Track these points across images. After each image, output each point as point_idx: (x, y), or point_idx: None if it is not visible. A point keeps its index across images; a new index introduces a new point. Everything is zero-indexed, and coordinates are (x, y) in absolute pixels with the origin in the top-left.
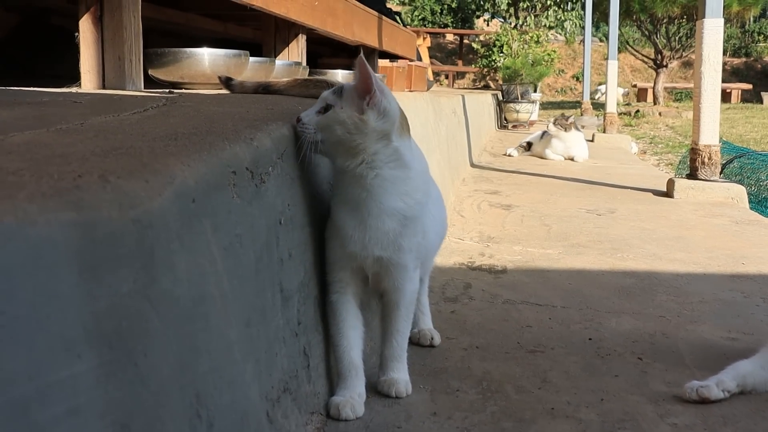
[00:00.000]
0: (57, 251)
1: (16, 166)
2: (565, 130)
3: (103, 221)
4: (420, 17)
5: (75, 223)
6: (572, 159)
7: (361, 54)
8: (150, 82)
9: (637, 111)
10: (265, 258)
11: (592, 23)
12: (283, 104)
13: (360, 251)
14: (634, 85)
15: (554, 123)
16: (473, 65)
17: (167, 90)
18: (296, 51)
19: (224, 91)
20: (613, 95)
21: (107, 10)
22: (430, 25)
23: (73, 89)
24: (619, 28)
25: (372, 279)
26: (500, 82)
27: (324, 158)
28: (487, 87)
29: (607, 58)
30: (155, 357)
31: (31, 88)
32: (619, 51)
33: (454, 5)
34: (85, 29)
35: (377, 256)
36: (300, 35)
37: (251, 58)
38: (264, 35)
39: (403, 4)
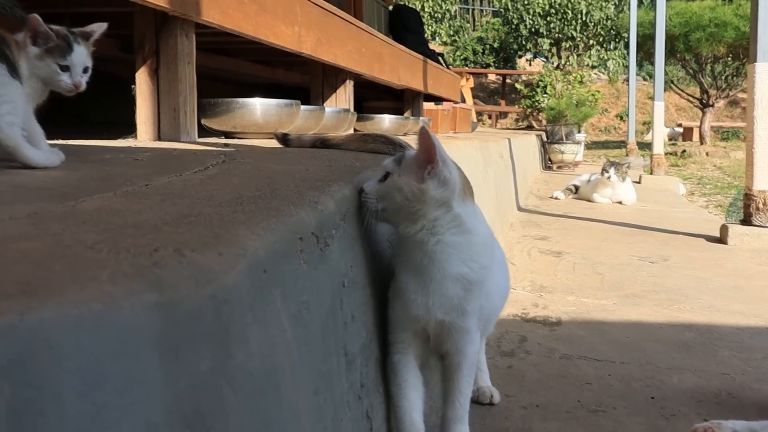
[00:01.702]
0: (141, 335)
1: (93, 239)
2: (623, 180)
3: (183, 300)
4: (462, 57)
5: (157, 305)
6: (620, 202)
7: (425, 125)
8: (202, 131)
9: (684, 151)
10: (330, 322)
11: (636, 62)
12: (341, 160)
13: (423, 315)
14: (679, 124)
15: (616, 172)
16: (516, 105)
17: (222, 143)
18: (344, 97)
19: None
20: (660, 136)
21: (163, 63)
22: (472, 65)
23: (130, 140)
24: (664, 68)
25: (434, 340)
26: (543, 121)
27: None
28: (530, 127)
29: (651, 98)
30: None
31: (91, 142)
32: (664, 90)
33: (496, 45)
34: (142, 81)
35: (440, 320)
36: (348, 81)
37: (302, 107)
38: (312, 81)
39: (445, 44)
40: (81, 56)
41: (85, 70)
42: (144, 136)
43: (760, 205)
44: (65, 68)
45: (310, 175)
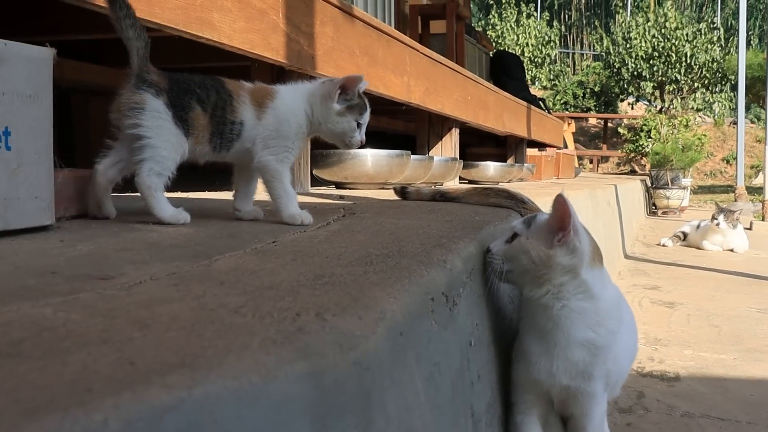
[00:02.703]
0: (294, 405)
1: (235, 302)
2: (734, 228)
3: (329, 368)
4: (562, 101)
5: (308, 374)
6: (732, 250)
7: (564, 192)
8: (314, 180)
9: None
10: (459, 383)
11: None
12: (460, 214)
13: (546, 379)
14: None
15: (726, 219)
16: (618, 149)
17: (337, 195)
18: (449, 145)
19: (388, 191)
20: None
21: None
22: (572, 109)
23: None
24: None
25: (558, 404)
26: (646, 165)
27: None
28: (632, 171)
29: (759, 141)
30: None
31: (212, 195)
32: None
33: (596, 89)
34: None
35: (565, 385)
36: (453, 129)
37: (412, 157)
38: (419, 129)
39: (545, 89)
40: (368, 115)
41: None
42: (259, 187)
43: None
44: (359, 125)
45: (432, 231)
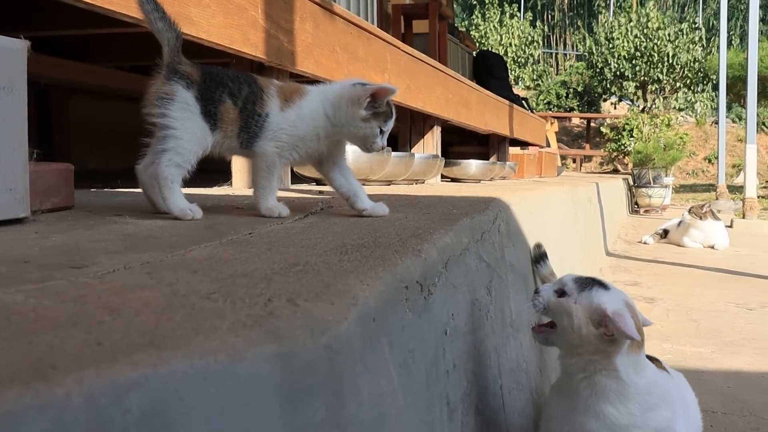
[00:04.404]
0: (262, 386)
1: (207, 289)
2: (701, 219)
3: (299, 351)
4: (545, 101)
5: (276, 356)
6: (712, 247)
7: (623, 312)
8: (295, 178)
9: None
10: (434, 371)
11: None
12: (437, 207)
13: None
14: None
15: (689, 211)
16: (601, 149)
17: (317, 190)
18: (431, 142)
19: (370, 186)
20: (752, 179)
21: None
22: (555, 108)
23: (225, 188)
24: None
25: None
26: (629, 165)
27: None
28: (615, 171)
29: (740, 140)
30: None
31: (190, 190)
32: (756, 132)
33: (580, 89)
34: None
35: None
36: (435, 126)
37: (392, 154)
38: (400, 127)
39: (529, 88)
40: (392, 123)
41: None
42: (239, 184)
43: None
44: (381, 132)
45: (409, 223)
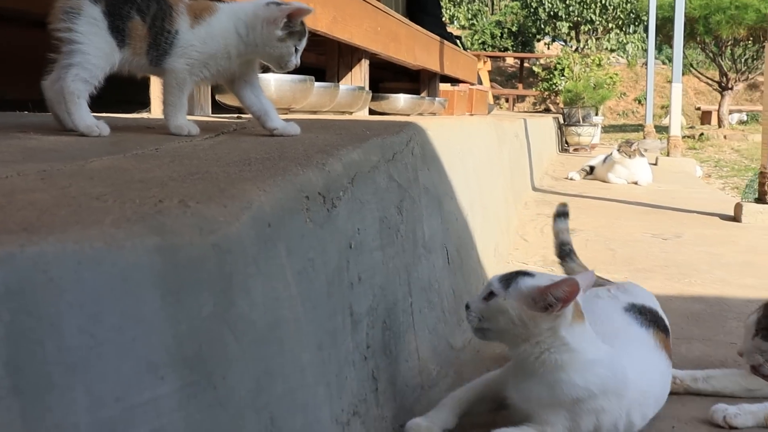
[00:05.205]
0: (142, 275)
1: (99, 191)
2: (630, 158)
3: (185, 246)
4: (480, 41)
5: (159, 248)
6: (636, 183)
7: (578, 280)
8: (217, 107)
9: (702, 134)
10: (336, 282)
11: (655, 46)
12: (352, 129)
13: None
14: (698, 108)
15: (618, 150)
16: (534, 89)
17: (236, 117)
18: (359, 76)
19: (292, 115)
20: (677, 119)
21: None
22: (490, 48)
23: (144, 114)
24: (683, 51)
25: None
26: (561, 105)
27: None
28: (547, 110)
29: (670, 81)
30: (233, 380)
31: (105, 114)
32: (683, 73)
33: (514, 29)
34: None
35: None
36: (363, 60)
37: (316, 84)
38: (328, 60)
39: (464, 28)
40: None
41: None
42: (158, 111)
43: None
44: (296, 50)
45: (319, 141)
